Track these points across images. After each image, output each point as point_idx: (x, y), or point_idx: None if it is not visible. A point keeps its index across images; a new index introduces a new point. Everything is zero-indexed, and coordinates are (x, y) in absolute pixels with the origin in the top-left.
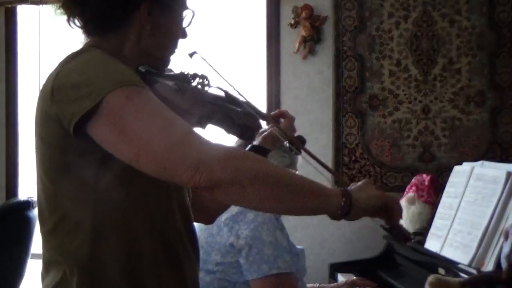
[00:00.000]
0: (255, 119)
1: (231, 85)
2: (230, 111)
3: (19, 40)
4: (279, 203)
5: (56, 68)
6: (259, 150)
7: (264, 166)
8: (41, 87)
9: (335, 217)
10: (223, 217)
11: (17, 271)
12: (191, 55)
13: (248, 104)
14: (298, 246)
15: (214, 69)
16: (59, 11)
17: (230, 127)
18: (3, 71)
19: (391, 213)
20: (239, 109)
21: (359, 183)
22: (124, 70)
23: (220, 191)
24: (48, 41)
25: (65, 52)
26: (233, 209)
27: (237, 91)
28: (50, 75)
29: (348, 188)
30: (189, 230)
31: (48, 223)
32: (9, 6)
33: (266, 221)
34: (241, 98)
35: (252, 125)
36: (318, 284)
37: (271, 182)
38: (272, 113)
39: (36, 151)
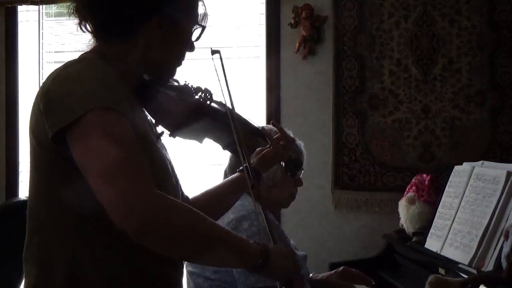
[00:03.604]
0: (255, 138)
1: (230, 98)
2: (229, 128)
3: (19, 40)
4: (199, 257)
5: (53, 72)
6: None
7: (192, 222)
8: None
9: (249, 270)
10: (222, 222)
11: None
12: (213, 52)
13: (247, 123)
14: (300, 252)
15: (225, 76)
16: (73, 15)
17: (226, 144)
18: (3, 71)
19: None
20: (239, 127)
21: (285, 250)
22: (110, 86)
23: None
24: (49, 41)
25: (65, 51)
26: (230, 216)
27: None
28: (47, 78)
29: (270, 249)
30: None
31: (34, 221)
32: (9, 6)
33: (261, 232)
34: (242, 116)
35: (250, 143)
36: (311, 274)
37: (197, 239)
38: (275, 137)
39: (30, 150)
